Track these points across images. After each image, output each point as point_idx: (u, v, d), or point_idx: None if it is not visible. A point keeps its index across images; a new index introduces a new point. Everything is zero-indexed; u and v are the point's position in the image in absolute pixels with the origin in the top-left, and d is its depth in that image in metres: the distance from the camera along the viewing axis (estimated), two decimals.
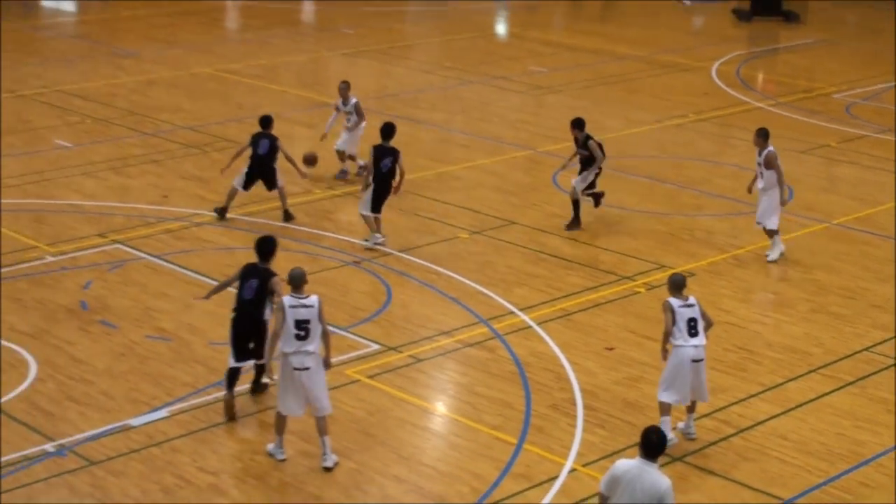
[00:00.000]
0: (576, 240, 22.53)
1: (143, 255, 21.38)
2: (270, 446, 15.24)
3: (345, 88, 25.54)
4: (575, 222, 22.95)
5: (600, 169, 22.98)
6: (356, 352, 18.05)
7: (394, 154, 21.73)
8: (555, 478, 14.86)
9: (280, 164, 22.91)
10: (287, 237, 22.19)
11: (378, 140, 21.92)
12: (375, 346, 18.24)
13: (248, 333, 16.04)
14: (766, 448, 15.75)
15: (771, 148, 21.36)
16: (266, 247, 16.29)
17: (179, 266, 20.84)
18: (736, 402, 16.92)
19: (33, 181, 25.13)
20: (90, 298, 19.62)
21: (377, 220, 21.89)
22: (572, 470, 15.03)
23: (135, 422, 15.97)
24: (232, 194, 22.93)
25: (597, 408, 16.58)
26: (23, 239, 21.86)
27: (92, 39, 40.22)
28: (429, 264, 21.15)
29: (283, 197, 23.16)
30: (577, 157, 23.06)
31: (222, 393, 16.14)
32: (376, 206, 21.73)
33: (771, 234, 21.59)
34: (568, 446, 15.59)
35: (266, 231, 22.17)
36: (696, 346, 15.24)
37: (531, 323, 19.16)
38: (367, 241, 21.87)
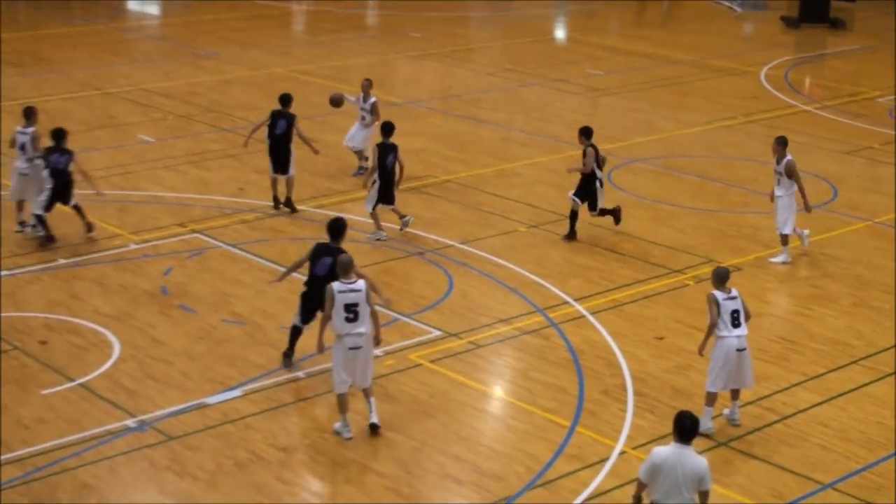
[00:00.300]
0: (628, 234, 22.45)
1: (219, 243, 21.52)
2: (337, 425, 15.32)
3: (367, 86, 25.24)
4: (571, 235, 21.95)
5: (601, 182, 21.86)
6: (419, 338, 18.08)
7: (395, 150, 21.71)
8: (605, 459, 14.84)
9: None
10: (355, 229, 22.24)
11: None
12: (437, 333, 18.27)
13: (317, 306, 16.18)
14: (807, 434, 15.66)
15: (790, 157, 20.99)
16: (337, 227, 16.56)
17: (254, 254, 20.96)
18: (779, 391, 16.83)
19: (118, 173, 25.35)
20: (170, 284, 19.77)
21: (394, 210, 21.96)
22: (622, 452, 15.01)
23: (211, 400, 16.09)
24: (273, 183, 23.11)
25: (646, 394, 16.55)
26: (108, 227, 22.06)
27: (175, 41, 40.49)
28: (488, 256, 21.15)
29: (290, 186, 23.06)
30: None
31: (293, 374, 16.23)
32: (387, 198, 21.71)
33: (785, 239, 21.28)
34: (618, 430, 15.57)
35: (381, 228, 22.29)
36: (739, 337, 15.18)
37: (585, 313, 19.13)
38: (371, 235, 21.86)
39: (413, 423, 15.62)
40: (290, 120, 22.77)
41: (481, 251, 21.33)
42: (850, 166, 27.58)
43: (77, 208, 21.31)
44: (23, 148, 21.22)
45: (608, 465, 14.71)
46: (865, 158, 28.37)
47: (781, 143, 21.06)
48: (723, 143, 29.11)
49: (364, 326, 14.93)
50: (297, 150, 22.88)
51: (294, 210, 22.95)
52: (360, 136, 25.20)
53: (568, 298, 19.63)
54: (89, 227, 21.47)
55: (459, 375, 17.01)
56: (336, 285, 14.91)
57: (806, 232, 21.61)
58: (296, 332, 16.85)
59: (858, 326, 18.99)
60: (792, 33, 44.89)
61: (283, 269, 17.75)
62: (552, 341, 18.16)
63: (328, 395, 16.06)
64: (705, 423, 15.29)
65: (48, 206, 20.99)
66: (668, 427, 15.10)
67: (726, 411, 15.70)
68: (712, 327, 15.16)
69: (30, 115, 21.43)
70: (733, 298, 15.26)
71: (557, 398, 16.42)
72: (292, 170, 22.98)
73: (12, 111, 29.74)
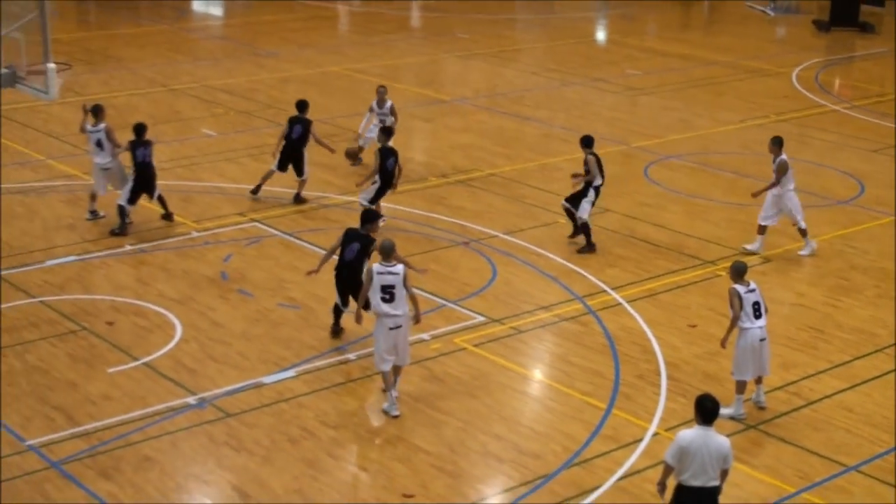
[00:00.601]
0: (663, 226, 22.36)
1: (276, 232, 21.59)
2: (385, 405, 15.38)
3: (383, 92, 24.93)
4: (588, 245, 21.02)
5: (597, 190, 21.17)
6: (463, 323, 18.09)
7: (396, 154, 21.64)
8: (639, 440, 14.82)
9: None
10: (404, 219, 22.31)
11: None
12: (481, 318, 18.26)
13: (348, 289, 16.76)
14: (833, 419, 15.56)
15: (784, 157, 20.74)
16: (369, 217, 17.07)
17: (308, 242, 21.01)
18: (807, 377, 16.73)
19: (182, 165, 25.48)
20: (230, 270, 19.86)
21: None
22: (655, 434, 14.98)
23: (266, 380, 16.16)
24: (268, 174, 23.17)
25: (679, 378, 16.49)
26: (173, 215, 22.16)
27: (236, 40, 40.63)
28: (530, 246, 21.12)
29: (301, 185, 23.13)
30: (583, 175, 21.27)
31: (343, 356, 16.29)
32: (377, 199, 21.56)
33: (762, 230, 21.03)
34: (652, 412, 15.53)
35: (393, 215, 22.34)
36: (761, 327, 15.14)
37: (621, 301, 19.07)
38: None
39: (457, 404, 15.64)
40: (306, 125, 22.89)
41: (524, 241, 21.30)
42: (876, 163, 27.31)
43: (161, 199, 21.48)
44: (99, 144, 21.28)
45: (642, 446, 14.69)
46: (891, 156, 28.05)
47: (776, 143, 20.84)
48: (755, 141, 28.90)
49: (401, 308, 15.09)
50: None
51: (304, 202, 23.14)
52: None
53: (605, 287, 19.58)
54: (169, 217, 21.61)
55: (501, 359, 17.01)
56: (376, 266, 15.14)
57: (813, 245, 21.32)
58: (338, 311, 17.34)
59: (883, 316, 18.83)
60: (822, 36, 44.53)
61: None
62: (590, 328, 18.13)
63: (377, 377, 16.10)
64: (738, 409, 15.34)
65: (132, 199, 21.15)
66: None
67: (753, 396, 15.62)
68: (735, 320, 15.12)
69: (97, 112, 21.47)
70: (753, 291, 15.23)
71: (594, 382, 16.39)
72: (306, 173, 23.06)
73: (80, 105, 29.99)
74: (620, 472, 14.11)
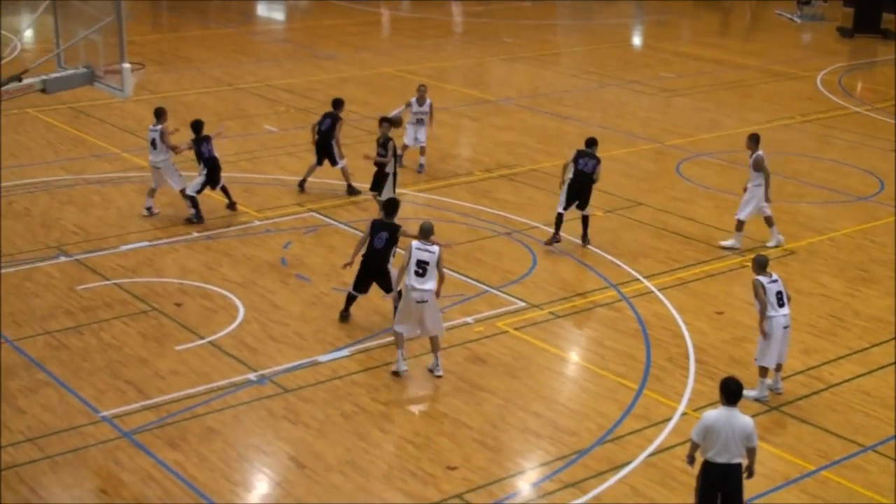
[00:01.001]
0: (694, 220, 22.24)
1: (332, 221, 21.63)
2: (396, 365, 15.79)
3: (423, 91, 24.77)
4: (556, 238, 20.76)
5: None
6: (505, 308, 18.07)
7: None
8: (669, 419, 14.76)
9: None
10: (452, 210, 22.30)
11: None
12: (522, 304, 18.23)
13: (373, 275, 16.92)
14: (851, 402, 15.44)
15: (760, 152, 20.43)
16: (392, 206, 17.13)
17: (362, 232, 20.98)
18: (827, 362, 16.60)
19: (246, 159, 25.57)
20: (289, 256, 19.93)
21: (376, 199, 21.67)
22: (684, 413, 14.91)
23: (322, 358, 16.21)
24: (310, 168, 23.18)
25: (706, 362, 16.40)
26: (237, 205, 22.25)
27: (297, 43, 40.73)
28: (569, 237, 21.04)
29: (345, 175, 23.05)
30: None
31: (393, 337, 16.34)
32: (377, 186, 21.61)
33: (740, 225, 20.80)
34: (681, 393, 15.47)
35: (432, 205, 22.34)
36: (785, 315, 15.02)
37: (653, 289, 18.99)
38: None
39: (499, 383, 15.63)
40: (334, 120, 22.88)
41: (562, 232, 21.21)
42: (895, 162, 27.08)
43: (224, 189, 21.58)
44: (153, 144, 21.25)
45: (671, 425, 14.63)
46: None
47: (753, 140, 20.57)
48: (781, 140, 28.67)
49: (430, 284, 15.44)
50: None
51: (356, 192, 23.01)
52: (422, 135, 24.85)
53: (638, 276, 19.50)
54: (233, 206, 21.73)
55: (540, 342, 16.98)
56: (415, 243, 15.56)
57: (781, 238, 21.08)
58: (351, 299, 17.33)
59: None
60: (846, 42, 44.08)
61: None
62: (623, 313, 18.06)
63: (425, 357, 16.12)
64: (762, 392, 15.28)
65: (201, 190, 21.29)
66: None
67: (770, 382, 15.48)
68: (764, 309, 14.97)
69: (159, 114, 21.44)
70: (775, 281, 15.11)
71: (627, 364, 16.34)
72: (340, 161, 23.03)
73: (153, 102, 30.19)
74: (651, 449, 14.06)
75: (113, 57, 16.51)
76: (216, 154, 21.35)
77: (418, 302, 15.41)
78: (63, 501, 12.76)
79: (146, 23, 44.44)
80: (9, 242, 20.09)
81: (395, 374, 15.73)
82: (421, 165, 24.99)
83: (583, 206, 20.56)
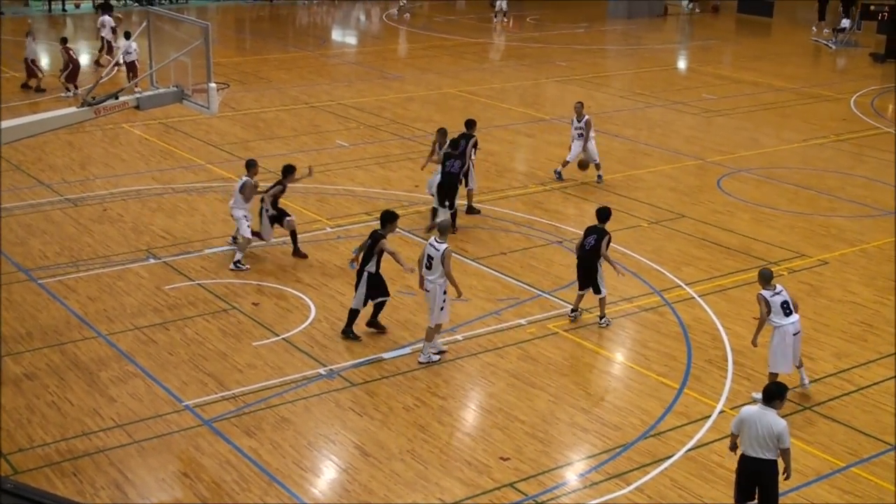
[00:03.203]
0: (733, 231, 21.99)
1: (397, 230, 21.58)
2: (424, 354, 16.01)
3: (580, 108, 24.67)
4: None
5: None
6: (556, 311, 17.96)
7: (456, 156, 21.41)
8: (707, 417, 14.60)
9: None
10: (507, 220, 22.22)
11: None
12: (571, 307, 18.11)
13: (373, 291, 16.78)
14: (880, 403, 15.18)
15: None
16: (387, 217, 16.98)
17: (424, 239, 20.98)
18: (857, 366, 16.33)
19: (318, 171, 25.47)
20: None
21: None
22: (721, 411, 14.74)
23: (386, 355, 16.21)
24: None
25: (744, 364, 16.20)
26: (310, 214, 22.35)
27: (367, 66, 40.84)
28: (616, 245, 20.85)
29: (469, 196, 22.33)
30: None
31: (453, 337, 16.26)
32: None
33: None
34: (719, 392, 15.29)
35: (489, 215, 22.26)
36: (793, 323, 14.77)
37: (694, 295, 18.79)
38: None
39: (549, 381, 15.54)
40: (468, 140, 21.89)
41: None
42: None
43: (293, 235, 20.14)
44: (238, 192, 19.52)
45: (710, 422, 14.47)
46: None
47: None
48: (816, 158, 28.31)
49: (435, 275, 15.72)
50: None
51: (476, 212, 22.50)
52: (592, 150, 24.79)
53: (680, 283, 19.31)
54: (299, 255, 20.04)
55: (588, 343, 16.86)
56: (430, 240, 15.96)
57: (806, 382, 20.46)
58: (353, 315, 16.67)
59: None
60: (878, 67, 43.43)
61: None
62: (666, 318, 17.89)
63: (482, 355, 16.07)
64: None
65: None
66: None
67: (798, 383, 15.23)
68: (763, 321, 14.80)
69: (249, 166, 19.66)
70: (779, 293, 14.85)
71: (669, 364, 16.18)
72: (471, 183, 22.31)
73: (237, 119, 30.41)
74: (690, 444, 13.92)
75: (200, 77, 16.65)
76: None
77: (427, 291, 15.82)
78: (148, 483, 12.85)
79: (231, 46, 44.79)
80: (104, 246, 20.31)
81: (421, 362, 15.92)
82: (599, 176, 25.15)
83: (596, 289, 17.55)
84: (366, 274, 16.59)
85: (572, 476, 13.31)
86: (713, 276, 19.72)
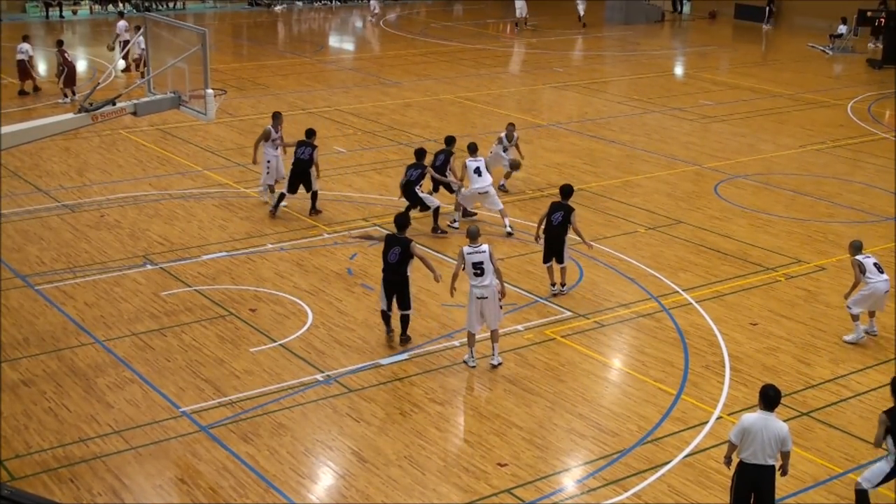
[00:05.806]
0: (730, 237, 22.01)
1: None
2: (466, 356, 15.98)
3: (511, 129, 24.64)
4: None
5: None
6: (554, 316, 17.97)
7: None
8: (705, 423, 14.60)
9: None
10: (504, 226, 22.22)
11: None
12: (569, 313, 18.12)
13: (394, 288, 16.57)
14: (877, 409, 15.04)
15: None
16: (401, 220, 16.91)
17: (424, 246, 20.99)
18: (855, 372, 16.34)
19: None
20: (355, 266, 19.96)
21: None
22: (719, 417, 14.74)
23: (384, 361, 16.20)
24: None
25: (741, 370, 16.21)
26: (307, 220, 22.36)
27: (365, 72, 40.87)
28: (613, 251, 20.92)
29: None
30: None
31: (451, 343, 16.25)
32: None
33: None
34: (717, 399, 15.29)
35: (487, 220, 22.26)
36: (885, 280, 16.91)
37: (691, 301, 18.80)
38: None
39: (547, 387, 15.54)
40: (447, 155, 22.39)
41: (607, 248, 21.11)
42: None
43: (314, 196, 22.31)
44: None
45: (707, 428, 14.47)
46: None
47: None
48: (813, 164, 28.36)
49: (488, 280, 15.65)
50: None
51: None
52: (512, 156, 24.86)
53: (678, 288, 19.32)
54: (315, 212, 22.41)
55: (586, 349, 16.87)
56: (465, 248, 15.82)
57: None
58: (385, 316, 16.84)
59: None
60: (876, 73, 43.52)
61: (451, 261, 17.58)
62: (663, 323, 17.90)
63: (480, 361, 16.06)
64: (859, 335, 17.21)
65: (292, 189, 22.25)
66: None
67: (864, 326, 17.26)
68: (857, 283, 16.98)
69: (276, 117, 22.51)
70: (869, 257, 17.08)
71: (666, 370, 16.18)
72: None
73: (234, 125, 30.41)
74: (688, 450, 13.91)
75: (197, 83, 16.67)
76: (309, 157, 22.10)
77: (478, 298, 15.68)
78: (145, 489, 12.84)
79: (228, 53, 44.82)
80: (101, 252, 20.31)
81: (465, 363, 16.05)
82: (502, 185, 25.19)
83: (560, 259, 18.75)
84: (408, 278, 16.56)
85: (570, 482, 13.31)
86: (710, 281, 19.73)
